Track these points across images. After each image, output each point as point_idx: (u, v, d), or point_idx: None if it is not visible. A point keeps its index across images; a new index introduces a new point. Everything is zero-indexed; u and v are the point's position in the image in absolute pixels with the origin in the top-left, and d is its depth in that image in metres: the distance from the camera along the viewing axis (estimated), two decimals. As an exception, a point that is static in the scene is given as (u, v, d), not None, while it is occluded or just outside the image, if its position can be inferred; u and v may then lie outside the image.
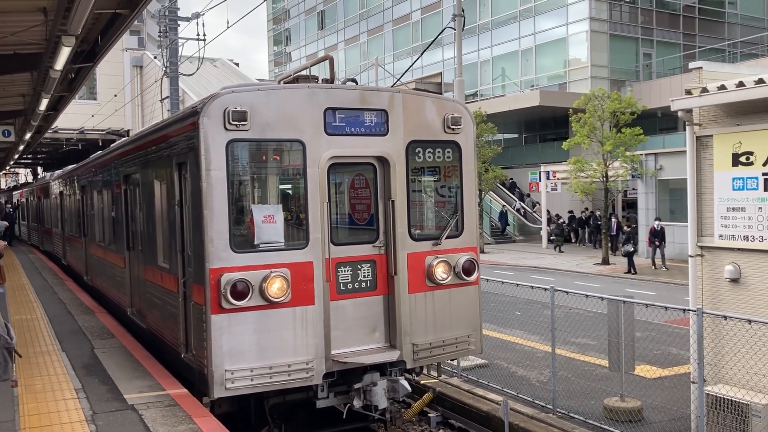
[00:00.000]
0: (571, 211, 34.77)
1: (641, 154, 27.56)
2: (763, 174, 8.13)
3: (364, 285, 7.66)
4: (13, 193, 40.64)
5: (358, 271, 7.63)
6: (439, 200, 8.41)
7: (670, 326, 13.08)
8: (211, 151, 6.86)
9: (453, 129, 8.09)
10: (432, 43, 20.22)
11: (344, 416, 7.64)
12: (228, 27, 20.74)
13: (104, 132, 37.52)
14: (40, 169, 53.51)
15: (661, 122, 36.87)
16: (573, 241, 34.36)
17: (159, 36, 25.18)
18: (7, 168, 47.57)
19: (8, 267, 18.89)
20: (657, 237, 24.84)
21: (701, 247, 8.97)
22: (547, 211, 35.17)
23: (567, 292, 9.49)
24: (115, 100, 38.49)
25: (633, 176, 28.44)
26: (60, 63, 10.09)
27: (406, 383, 7.65)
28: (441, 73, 47.68)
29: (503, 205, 39.04)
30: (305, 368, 7.18)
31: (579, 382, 10.36)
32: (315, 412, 7.75)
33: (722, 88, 8.43)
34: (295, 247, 7.26)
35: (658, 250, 24.81)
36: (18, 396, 7.19)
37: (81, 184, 15.66)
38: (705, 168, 8.88)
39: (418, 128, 7.91)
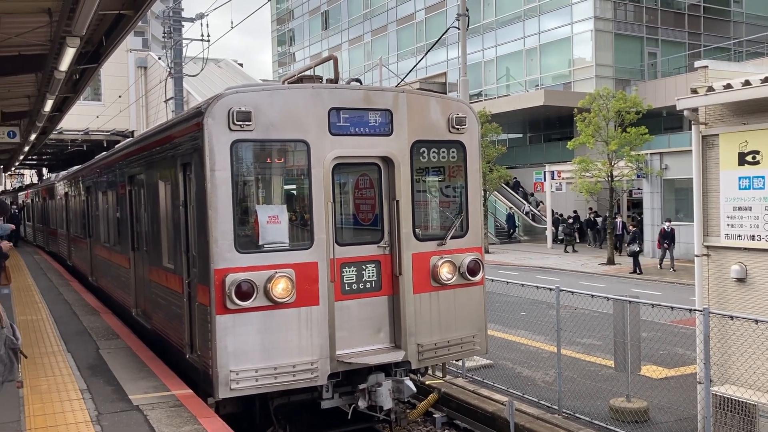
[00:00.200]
0: (575, 212, 34.66)
1: (646, 154, 27.50)
2: (770, 173, 8.10)
3: (368, 285, 7.63)
4: (19, 194, 40.74)
5: (363, 272, 7.61)
6: (444, 200, 8.38)
7: (676, 326, 13.04)
8: (215, 152, 6.85)
9: (457, 129, 8.06)
10: (436, 42, 20.26)
11: (349, 417, 7.62)
12: (232, 27, 20.79)
13: (109, 133, 37.60)
14: (45, 170, 53.66)
15: (666, 121, 36.80)
16: (578, 241, 34.25)
17: (163, 37, 25.19)
18: (13, 169, 47.76)
19: (13, 268, 18.98)
20: (667, 239, 24.52)
21: (707, 247, 8.92)
22: (553, 211, 35.08)
23: (572, 292, 9.45)
24: (120, 101, 38.60)
25: (638, 176, 28.39)
26: (65, 64, 10.12)
27: (411, 384, 7.62)
28: (445, 72, 47.74)
29: (510, 208, 38.86)
30: (310, 369, 7.17)
31: (584, 382, 10.33)
32: (320, 413, 7.73)
33: (728, 86, 8.38)
34: (299, 248, 7.24)
35: (667, 252, 24.48)
36: (24, 397, 7.20)
37: (86, 185, 15.68)
38: (711, 167, 8.84)
39: (422, 128, 7.88)
